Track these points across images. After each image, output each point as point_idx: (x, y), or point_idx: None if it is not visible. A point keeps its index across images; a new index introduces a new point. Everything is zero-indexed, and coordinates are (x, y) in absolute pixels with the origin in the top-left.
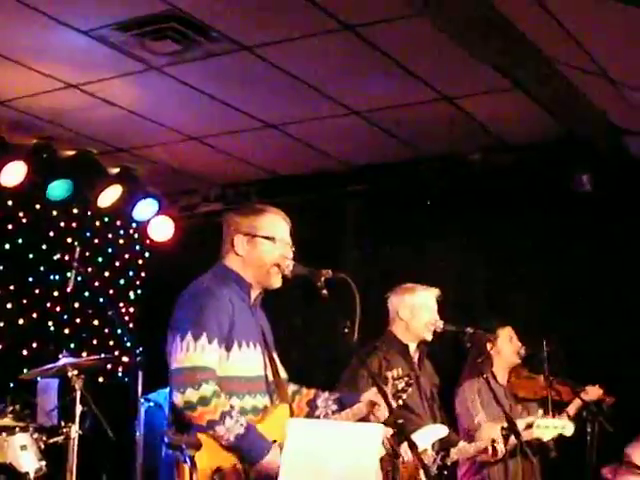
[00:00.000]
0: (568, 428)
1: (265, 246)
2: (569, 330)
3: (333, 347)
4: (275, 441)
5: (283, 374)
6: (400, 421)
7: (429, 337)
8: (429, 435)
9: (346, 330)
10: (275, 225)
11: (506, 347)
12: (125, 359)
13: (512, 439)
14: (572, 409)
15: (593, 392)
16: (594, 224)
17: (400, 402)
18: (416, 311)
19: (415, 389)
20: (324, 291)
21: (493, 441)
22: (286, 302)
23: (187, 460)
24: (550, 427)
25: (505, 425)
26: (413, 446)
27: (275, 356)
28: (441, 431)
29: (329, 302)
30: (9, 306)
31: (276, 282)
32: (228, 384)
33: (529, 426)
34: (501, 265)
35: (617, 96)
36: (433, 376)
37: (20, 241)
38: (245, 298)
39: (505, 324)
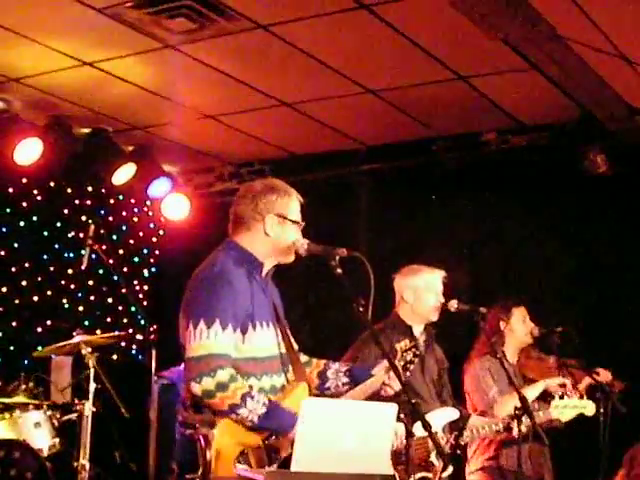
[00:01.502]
0: (589, 408)
1: (292, 229)
2: (582, 309)
3: (347, 326)
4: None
5: (295, 347)
6: (414, 401)
7: (434, 318)
8: (440, 418)
9: (361, 308)
10: (298, 209)
11: (519, 327)
12: (139, 337)
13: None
14: (582, 387)
15: (604, 375)
16: (608, 204)
17: (408, 374)
18: (420, 293)
19: (419, 370)
20: (338, 270)
21: (513, 417)
22: (300, 281)
23: (200, 438)
24: (569, 407)
25: (518, 405)
26: (428, 426)
27: (287, 331)
28: (452, 414)
29: (343, 281)
30: (24, 283)
31: (291, 259)
32: (245, 366)
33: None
34: (514, 244)
35: (632, 76)
36: (443, 361)
37: (35, 219)
38: (257, 277)
39: (519, 304)
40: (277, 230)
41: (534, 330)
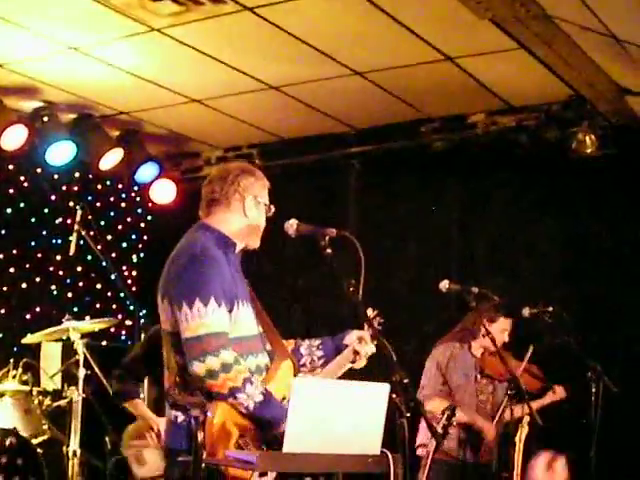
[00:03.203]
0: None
1: (263, 211)
2: (571, 290)
3: (337, 307)
4: (284, 398)
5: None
6: (406, 380)
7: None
8: None
9: (351, 288)
10: (267, 192)
11: (497, 335)
12: (128, 322)
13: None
14: (533, 406)
15: (559, 392)
16: (597, 185)
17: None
18: None
19: None
20: (328, 250)
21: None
22: (290, 262)
23: (192, 421)
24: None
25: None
26: (420, 405)
27: (262, 310)
28: None
29: (333, 261)
30: (12, 270)
31: (257, 244)
32: (234, 346)
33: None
34: (503, 226)
35: (622, 56)
36: None
37: (22, 205)
38: (233, 258)
39: (509, 316)
40: (254, 212)
41: (505, 342)
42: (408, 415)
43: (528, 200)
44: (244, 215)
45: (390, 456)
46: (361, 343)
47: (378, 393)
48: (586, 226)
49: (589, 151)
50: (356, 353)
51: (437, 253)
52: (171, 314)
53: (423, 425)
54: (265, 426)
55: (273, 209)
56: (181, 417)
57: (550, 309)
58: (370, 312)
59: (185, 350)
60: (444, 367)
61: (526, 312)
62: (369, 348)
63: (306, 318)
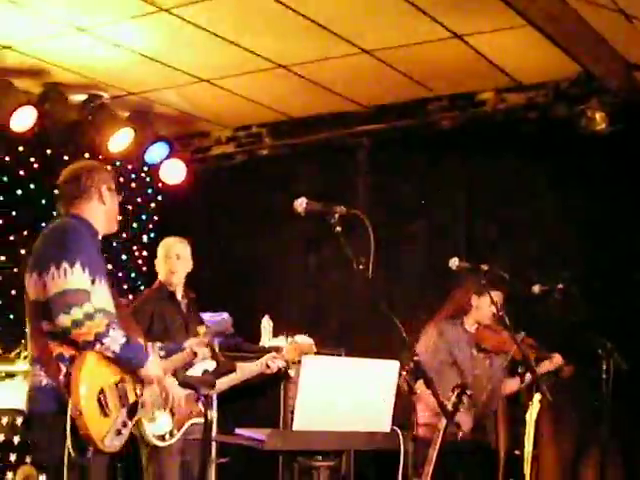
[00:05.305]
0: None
1: (116, 199)
2: (580, 268)
3: (347, 285)
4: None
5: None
6: (416, 358)
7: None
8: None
9: (361, 266)
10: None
11: (485, 309)
12: None
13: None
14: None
15: (556, 360)
16: (607, 161)
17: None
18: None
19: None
20: (338, 228)
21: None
22: (300, 240)
23: (202, 399)
24: None
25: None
26: (430, 382)
27: (118, 299)
28: (212, 364)
29: (341, 239)
30: (23, 252)
31: (115, 228)
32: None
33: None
34: (512, 204)
35: (631, 32)
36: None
37: (32, 187)
38: (95, 242)
39: (498, 288)
40: (109, 199)
41: (498, 316)
42: (418, 392)
43: (537, 178)
44: (102, 203)
45: (400, 433)
46: (199, 346)
47: (388, 370)
48: (596, 203)
49: (598, 128)
50: (194, 353)
51: (446, 231)
52: (40, 281)
53: (421, 404)
54: (133, 365)
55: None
56: (45, 381)
57: (560, 286)
58: (204, 328)
59: (51, 306)
60: (431, 346)
61: (536, 289)
62: (204, 351)
63: (316, 296)
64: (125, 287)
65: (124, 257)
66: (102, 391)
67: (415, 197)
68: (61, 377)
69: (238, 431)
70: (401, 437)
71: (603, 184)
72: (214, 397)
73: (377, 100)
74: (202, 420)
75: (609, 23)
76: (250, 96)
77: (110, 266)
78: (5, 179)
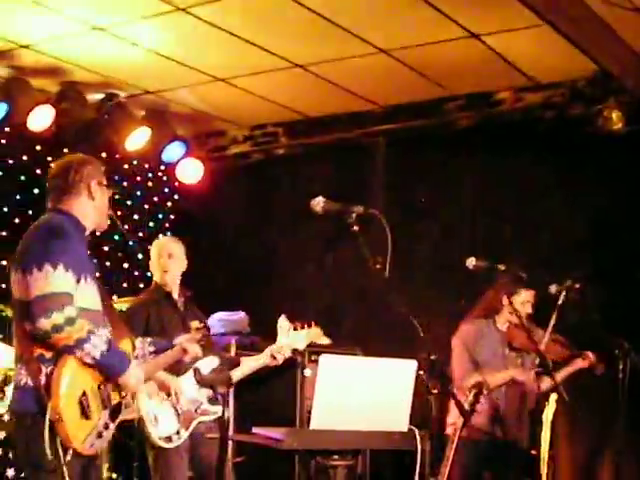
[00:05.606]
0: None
1: (106, 194)
2: (596, 269)
3: (363, 284)
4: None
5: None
6: (433, 357)
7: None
8: (207, 366)
9: (378, 266)
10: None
11: (518, 307)
12: None
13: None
14: (560, 375)
15: (589, 358)
16: (623, 161)
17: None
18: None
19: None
20: (355, 227)
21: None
22: (316, 239)
23: (219, 397)
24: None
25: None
26: (447, 382)
27: (105, 294)
28: (215, 361)
29: (359, 239)
30: None
31: (105, 226)
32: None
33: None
34: (528, 203)
35: None
36: (202, 317)
37: None
38: (83, 239)
39: (531, 288)
40: (98, 195)
41: (529, 314)
42: (435, 392)
43: (554, 177)
44: (91, 199)
45: (417, 433)
46: (190, 342)
47: (406, 369)
48: (612, 203)
49: (615, 127)
50: (185, 351)
51: (462, 230)
52: (23, 281)
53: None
54: (112, 373)
55: (112, 191)
56: (25, 380)
57: (577, 286)
58: (196, 323)
59: (32, 308)
60: (471, 345)
61: (553, 289)
62: (195, 348)
63: (333, 295)
64: (141, 286)
65: (140, 256)
66: (84, 393)
67: (431, 196)
68: (42, 377)
69: (255, 430)
70: (418, 437)
71: (620, 183)
72: (230, 395)
73: (393, 99)
74: (209, 418)
75: (626, 22)
76: (266, 95)
77: (126, 265)
78: (22, 178)
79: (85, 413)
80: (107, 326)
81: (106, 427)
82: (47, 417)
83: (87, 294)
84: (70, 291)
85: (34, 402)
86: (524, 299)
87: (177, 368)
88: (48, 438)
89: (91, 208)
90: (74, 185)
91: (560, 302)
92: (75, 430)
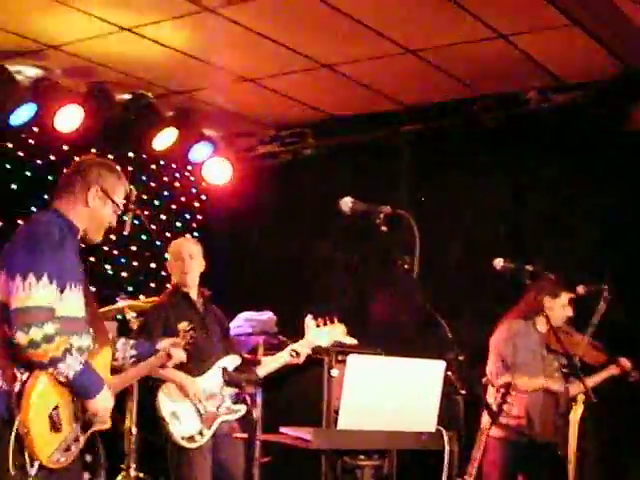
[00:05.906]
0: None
1: (111, 209)
2: (625, 271)
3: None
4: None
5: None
6: (461, 358)
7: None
8: (229, 364)
9: (406, 266)
10: (123, 196)
11: (559, 310)
12: None
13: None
14: (593, 380)
15: (624, 363)
16: None
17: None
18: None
19: (203, 332)
20: (383, 227)
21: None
22: (344, 239)
23: (246, 397)
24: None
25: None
26: (475, 384)
27: (93, 297)
28: (236, 360)
29: (386, 239)
30: None
31: (98, 239)
32: (59, 323)
33: None
34: (555, 203)
35: None
36: (223, 318)
37: None
38: (73, 243)
39: (572, 291)
40: (97, 203)
41: (569, 317)
42: (463, 392)
43: (581, 177)
44: (86, 204)
45: (445, 433)
46: (175, 347)
47: (433, 370)
48: None
49: None
50: (169, 356)
51: (490, 230)
52: (6, 286)
53: None
54: (82, 395)
55: (121, 209)
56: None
57: (605, 287)
58: (184, 325)
59: (11, 320)
60: (510, 344)
61: (581, 290)
62: (179, 353)
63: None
64: (168, 286)
65: (167, 256)
66: (56, 407)
67: (458, 196)
68: (16, 385)
69: (283, 430)
70: (446, 437)
71: None
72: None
73: (421, 99)
74: (232, 417)
75: None
76: (294, 95)
77: (154, 265)
78: (50, 178)
79: (55, 427)
80: (89, 333)
81: (76, 440)
82: (14, 428)
83: (71, 302)
84: (52, 305)
85: (5, 408)
86: (565, 302)
87: (199, 367)
88: (13, 450)
89: (85, 214)
90: (75, 186)
91: (599, 306)
92: (42, 445)
